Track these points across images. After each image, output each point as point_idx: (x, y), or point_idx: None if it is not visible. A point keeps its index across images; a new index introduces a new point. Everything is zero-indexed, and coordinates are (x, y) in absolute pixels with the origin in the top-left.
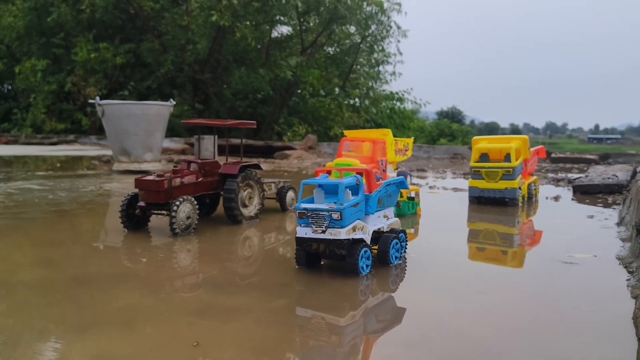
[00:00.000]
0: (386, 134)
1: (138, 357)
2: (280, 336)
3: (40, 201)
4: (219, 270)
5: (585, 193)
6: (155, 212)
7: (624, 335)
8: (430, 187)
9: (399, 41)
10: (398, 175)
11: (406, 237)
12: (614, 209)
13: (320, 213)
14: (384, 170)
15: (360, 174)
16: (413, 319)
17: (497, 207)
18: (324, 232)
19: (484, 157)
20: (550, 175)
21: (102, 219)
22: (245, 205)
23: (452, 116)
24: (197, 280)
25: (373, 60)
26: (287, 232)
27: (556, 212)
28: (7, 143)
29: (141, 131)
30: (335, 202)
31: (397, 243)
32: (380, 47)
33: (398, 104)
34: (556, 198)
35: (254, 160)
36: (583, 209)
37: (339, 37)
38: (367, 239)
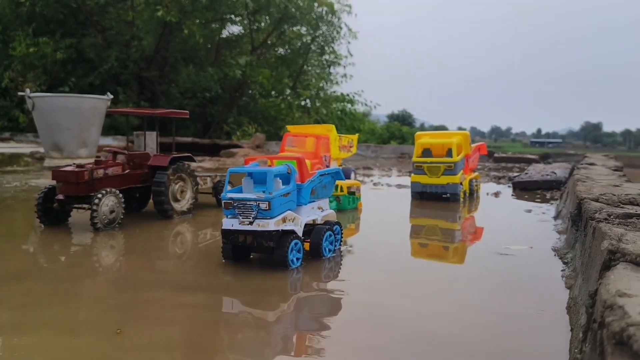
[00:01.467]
0: (330, 129)
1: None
2: (204, 333)
3: None
4: (143, 266)
5: (524, 189)
6: (76, 206)
7: (559, 325)
8: (375, 184)
9: (349, 42)
10: (343, 171)
11: (341, 230)
12: (552, 204)
13: (248, 203)
14: (328, 166)
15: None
16: (345, 311)
17: (438, 203)
18: (251, 223)
19: (426, 152)
20: (493, 173)
21: (19, 214)
22: (177, 200)
23: (403, 119)
24: (118, 277)
25: (324, 62)
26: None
27: (496, 207)
28: None
29: (75, 125)
30: (263, 191)
31: (330, 235)
32: (330, 49)
33: (349, 105)
34: (496, 194)
35: (187, 153)
36: (522, 204)
37: (289, 37)
38: (299, 230)
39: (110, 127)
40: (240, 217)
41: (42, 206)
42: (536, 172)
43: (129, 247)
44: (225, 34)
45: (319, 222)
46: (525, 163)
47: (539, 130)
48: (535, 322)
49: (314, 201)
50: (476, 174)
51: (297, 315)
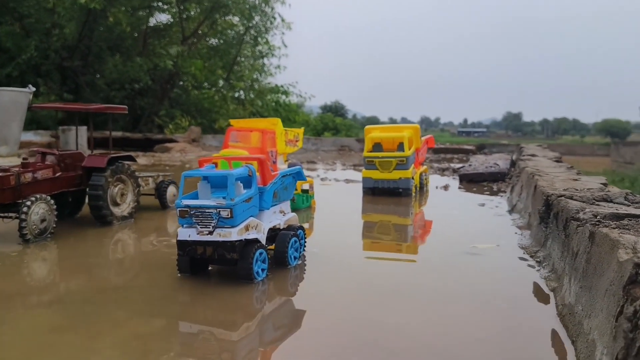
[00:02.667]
0: (275, 123)
1: None
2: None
3: None
4: (82, 281)
5: (471, 181)
6: (0, 214)
7: (555, 337)
8: (322, 179)
9: (283, 33)
10: (289, 166)
11: (305, 234)
12: (501, 196)
13: (207, 211)
14: (274, 162)
15: (253, 164)
16: (314, 323)
17: (391, 198)
18: (211, 233)
19: (377, 146)
20: (435, 165)
21: None
22: (116, 204)
23: (336, 110)
24: (52, 295)
25: (257, 52)
26: (169, 234)
27: (448, 202)
28: None
29: None
30: (223, 197)
31: (295, 242)
32: (264, 39)
33: (283, 97)
34: (445, 187)
35: (127, 152)
36: (473, 198)
37: (221, 27)
38: (263, 238)
39: (32, 120)
40: (199, 227)
41: None
42: (479, 163)
43: (64, 261)
44: (153, 22)
45: (281, 226)
46: (463, 154)
47: (465, 120)
48: (528, 332)
49: (275, 204)
50: (425, 167)
51: (263, 333)
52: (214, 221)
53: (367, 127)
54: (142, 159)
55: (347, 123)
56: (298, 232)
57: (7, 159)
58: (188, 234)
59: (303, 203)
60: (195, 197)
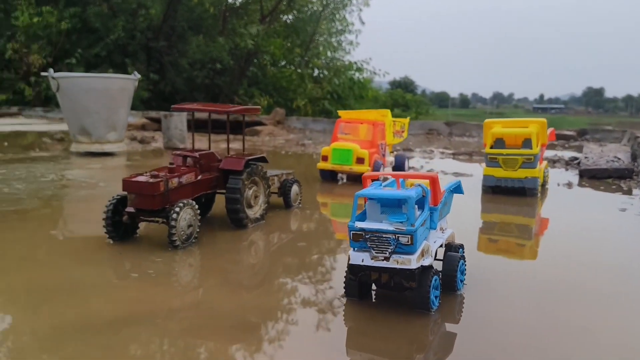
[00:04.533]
0: (385, 114)
1: None
2: None
3: None
4: (232, 299)
5: (593, 177)
6: (147, 219)
7: None
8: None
9: (360, 10)
10: (396, 159)
11: (464, 252)
12: (634, 197)
13: (384, 235)
14: (384, 155)
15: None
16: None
17: (514, 198)
18: (387, 259)
19: (499, 142)
20: (556, 153)
21: (73, 222)
22: (250, 206)
23: (405, 86)
24: (208, 313)
25: (334, 30)
26: (305, 238)
27: (580, 203)
28: None
29: (103, 108)
30: (401, 222)
31: (463, 264)
32: (341, 16)
33: (357, 74)
34: (569, 185)
35: (258, 152)
36: (605, 199)
37: (299, 4)
38: (431, 262)
39: None
40: (373, 252)
41: (112, 220)
42: (597, 156)
43: (206, 267)
44: (231, 0)
45: (443, 245)
46: (564, 140)
47: (541, 96)
48: None
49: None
50: (545, 162)
51: None
52: (391, 247)
53: (487, 120)
54: (234, 143)
55: (417, 99)
56: (459, 251)
57: (115, 145)
58: (361, 258)
59: None
60: (364, 217)
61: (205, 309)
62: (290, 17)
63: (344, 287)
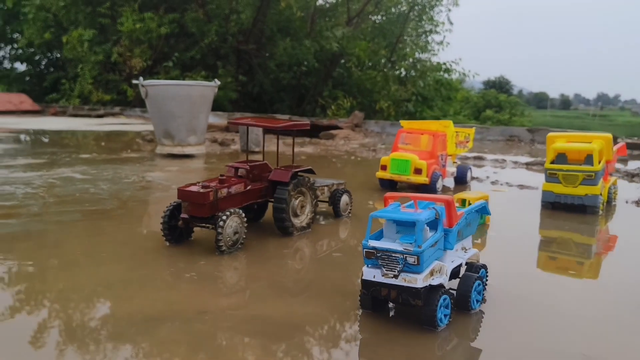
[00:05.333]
0: (447, 125)
1: None
2: None
3: (81, 196)
4: (263, 304)
5: None
6: (200, 225)
7: None
8: (493, 183)
9: (449, 10)
10: (458, 170)
11: (487, 273)
12: None
13: (393, 255)
14: (444, 166)
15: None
16: None
17: (576, 215)
18: (396, 277)
19: (561, 157)
20: (619, 166)
21: (140, 225)
22: (296, 215)
23: (500, 86)
24: (243, 317)
25: (421, 30)
26: (347, 249)
27: None
28: (55, 114)
29: (185, 113)
30: (411, 243)
31: (479, 285)
32: (429, 16)
33: (445, 75)
34: (638, 202)
35: (306, 165)
36: None
37: (386, 6)
38: (445, 281)
39: None
40: (384, 269)
41: (168, 224)
42: None
43: (254, 275)
44: (319, 1)
45: (463, 265)
46: None
47: None
48: None
49: (458, 242)
50: (614, 178)
51: None
52: (399, 265)
53: (550, 134)
54: (309, 147)
55: (512, 100)
56: (481, 273)
57: (195, 147)
58: (373, 274)
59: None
60: (381, 236)
61: (251, 309)
62: (377, 18)
63: (359, 301)
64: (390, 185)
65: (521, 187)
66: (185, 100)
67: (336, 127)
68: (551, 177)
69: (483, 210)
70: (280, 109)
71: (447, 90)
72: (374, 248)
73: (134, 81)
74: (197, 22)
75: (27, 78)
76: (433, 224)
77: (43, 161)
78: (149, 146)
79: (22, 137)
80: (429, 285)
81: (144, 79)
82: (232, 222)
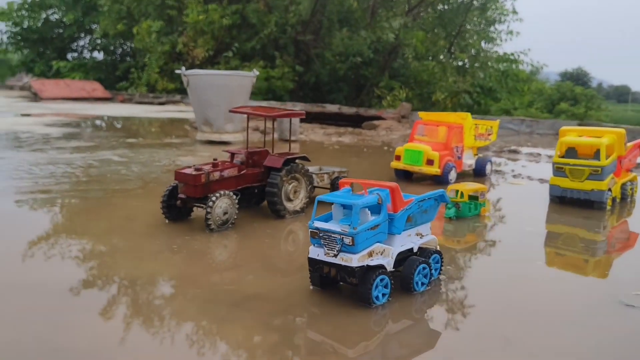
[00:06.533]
0: (464, 118)
1: None
2: None
3: (111, 176)
4: (234, 280)
5: None
6: (195, 205)
7: None
8: (514, 176)
9: None
10: (477, 162)
11: (441, 258)
12: None
13: (332, 235)
14: (459, 158)
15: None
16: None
17: (581, 210)
18: (335, 256)
19: (570, 152)
20: None
21: (150, 204)
22: (289, 200)
23: (577, 78)
24: (198, 290)
25: (485, 20)
26: None
27: None
28: (123, 102)
29: (223, 102)
30: (349, 225)
31: (425, 268)
32: (494, 5)
33: (513, 66)
34: None
35: (300, 153)
36: None
37: None
38: (389, 263)
39: (268, 90)
40: (325, 249)
41: (167, 203)
42: None
43: (238, 250)
44: None
45: (415, 250)
46: None
47: None
48: None
49: (409, 228)
50: (633, 174)
51: (378, 354)
52: (338, 245)
53: (562, 128)
54: (348, 137)
55: (589, 93)
56: (432, 257)
57: (232, 135)
58: (317, 253)
59: (470, 211)
60: (330, 218)
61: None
62: (439, 8)
63: (310, 278)
64: (404, 175)
65: (541, 181)
66: (223, 89)
67: (379, 118)
68: (558, 171)
69: (441, 199)
70: (337, 99)
71: (513, 81)
72: (317, 228)
73: (177, 71)
74: (258, 13)
75: (103, 67)
76: (378, 209)
77: (91, 144)
78: (194, 133)
79: (83, 122)
80: (366, 265)
81: (206, 69)
82: (222, 203)
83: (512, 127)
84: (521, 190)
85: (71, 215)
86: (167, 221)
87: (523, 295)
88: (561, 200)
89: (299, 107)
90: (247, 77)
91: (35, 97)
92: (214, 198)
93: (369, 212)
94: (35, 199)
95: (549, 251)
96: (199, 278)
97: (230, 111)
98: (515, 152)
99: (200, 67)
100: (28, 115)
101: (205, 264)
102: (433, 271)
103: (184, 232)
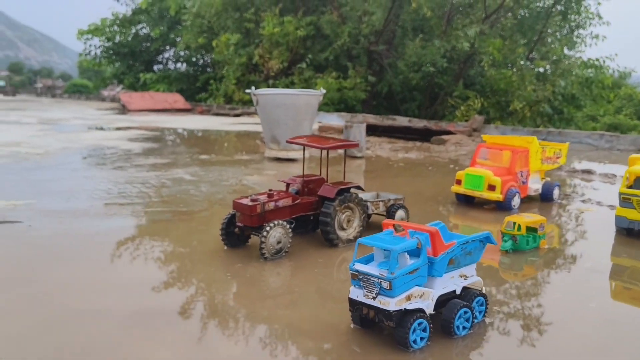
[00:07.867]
0: (530, 141)
1: None
2: None
3: (180, 197)
4: (273, 308)
5: None
6: (252, 233)
7: None
8: (584, 202)
9: (599, 3)
10: (544, 187)
11: (486, 301)
12: None
13: (371, 278)
14: (524, 183)
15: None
16: None
17: None
18: (374, 298)
19: (639, 181)
20: None
21: (212, 229)
22: (343, 229)
23: None
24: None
25: (568, 25)
26: None
27: None
28: (202, 113)
29: (290, 120)
30: (387, 269)
31: (466, 312)
32: (576, 10)
33: (597, 72)
34: None
35: (354, 183)
36: None
37: (528, 0)
38: (428, 306)
39: (340, 100)
40: (365, 290)
41: (226, 230)
42: None
43: (291, 280)
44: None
45: (458, 292)
46: None
47: None
48: None
49: (453, 270)
50: None
51: None
52: (376, 288)
53: (632, 156)
54: (414, 153)
55: None
56: (475, 300)
57: (299, 152)
58: (357, 294)
59: (527, 244)
60: (372, 259)
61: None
62: (518, 13)
63: (351, 316)
64: (465, 199)
65: (612, 207)
66: (291, 108)
67: (448, 132)
68: (625, 202)
69: (487, 241)
70: (410, 108)
71: (598, 89)
72: (357, 271)
73: (247, 90)
74: (332, 24)
75: (185, 78)
76: (418, 251)
77: (167, 161)
78: (263, 147)
79: (164, 136)
80: (404, 309)
81: (279, 80)
82: (276, 233)
83: (591, 142)
84: (589, 218)
85: (135, 240)
86: (225, 247)
87: (576, 336)
88: (628, 233)
89: (369, 118)
90: (314, 96)
91: (123, 109)
92: (268, 228)
93: (408, 256)
94: (104, 223)
95: (607, 290)
96: (247, 306)
97: (287, 142)
98: (589, 172)
99: (275, 78)
100: (118, 129)
101: (255, 291)
102: (477, 314)
103: (239, 259)
